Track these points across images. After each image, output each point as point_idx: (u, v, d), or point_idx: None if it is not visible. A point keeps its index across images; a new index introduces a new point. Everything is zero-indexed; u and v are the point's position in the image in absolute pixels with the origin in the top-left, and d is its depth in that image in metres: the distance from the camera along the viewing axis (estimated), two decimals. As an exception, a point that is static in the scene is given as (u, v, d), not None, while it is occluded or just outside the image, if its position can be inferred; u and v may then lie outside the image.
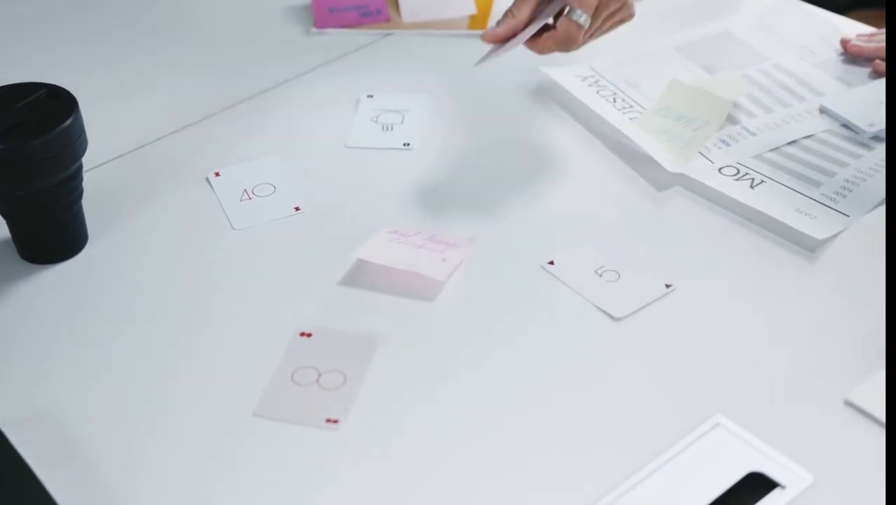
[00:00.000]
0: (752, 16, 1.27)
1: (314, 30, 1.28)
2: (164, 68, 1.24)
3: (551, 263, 0.95)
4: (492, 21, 1.28)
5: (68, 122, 0.92)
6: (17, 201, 0.94)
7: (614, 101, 1.13)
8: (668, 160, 1.04)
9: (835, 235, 0.96)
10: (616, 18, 1.07)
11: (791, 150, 1.06)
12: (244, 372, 0.87)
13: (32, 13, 1.34)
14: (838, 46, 1.21)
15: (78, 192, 0.97)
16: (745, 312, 0.91)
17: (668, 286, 0.92)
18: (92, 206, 0.99)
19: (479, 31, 1.24)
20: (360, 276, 0.95)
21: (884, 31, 1.20)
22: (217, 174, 1.07)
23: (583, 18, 1.01)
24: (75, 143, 0.93)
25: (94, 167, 1.06)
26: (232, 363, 0.88)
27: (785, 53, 1.20)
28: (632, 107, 1.13)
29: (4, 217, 0.97)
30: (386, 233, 0.98)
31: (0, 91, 0.94)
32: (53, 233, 0.97)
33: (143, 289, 0.95)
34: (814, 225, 0.96)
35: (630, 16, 1.08)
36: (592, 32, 1.05)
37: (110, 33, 1.30)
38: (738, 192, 1.01)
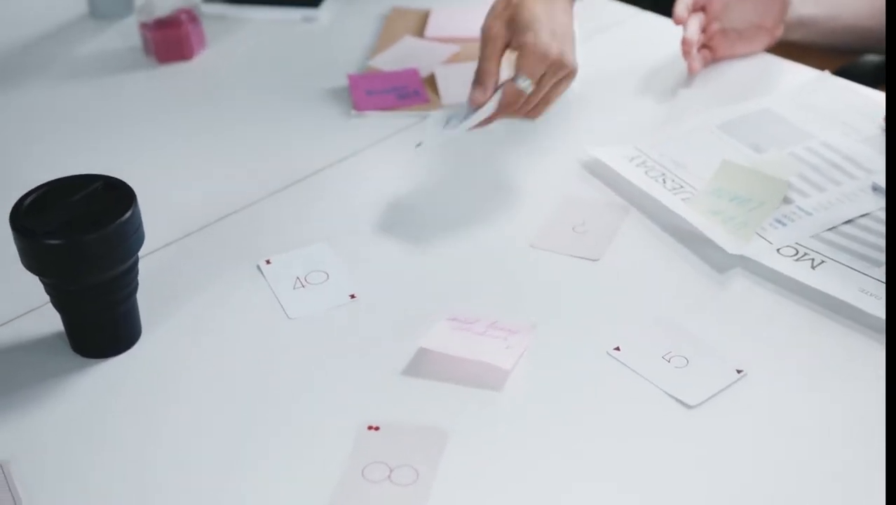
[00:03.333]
0: (790, 93, 1.27)
1: (354, 112, 1.28)
2: (208, 154, 1.23)
3: (617, 349, 0.94)
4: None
5: (126, 216, 0.90)
6: (71, 295, 0.93)
7: (664, 181, 1.13)
8: (728, 242, 1.03)
9: (902, 316, 0.95)
10: (562, 86, 1.13)
11: (848, 229, 1.06)
12: (312, 468, 0.85)
13: (79, 102, 1.34)
14: (881, 122, 1.21)
15: (133, 286, 0.95)
16: (819, 399, 0.89)
17: (738, 371, 0.91)
18: (144, 296, 0.98)
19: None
20: (422, 365, 0.93)
21: None
22: (268, 262, 1.06)
23: (526, 83, 1.08)
24: (132, 237, 0.92)
25: (144, 255, 1.04)
26: (299, 460, 0.85)
27: (829, 131, 1.20)
28: (682, 187, 1.12)
29: (58, 310, 0.95)
30: (447, 320, 0.96)
31: (57, 183, 0.93)
32: (107, 327, 0.95)
33: (200, 385, 0.93)
34: (880, 305, 0.95)
35: (573, 75, 1.13)
36: (540, 99, 1.12)
37: (155, 120, 1.30)
38: (800, 273, 1.00)
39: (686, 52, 1.28)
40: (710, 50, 1.31)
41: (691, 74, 1.30)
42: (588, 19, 1.42)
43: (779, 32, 1.31)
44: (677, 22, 1.28)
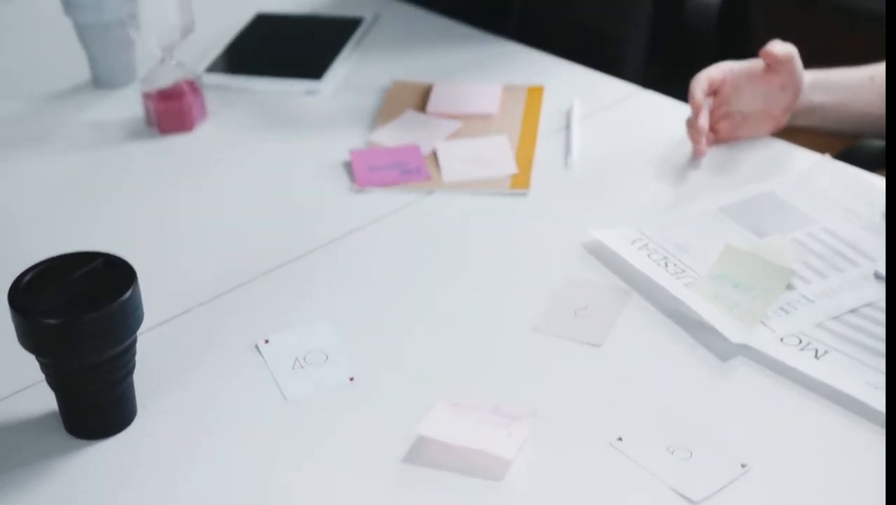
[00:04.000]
0: (792, 177, 1.27)
1: (356, 188, 1.28)
2: (207, 228, 1.22)
3: (620, 439, 0.92)
4: (535, 179, 1.28)
5: (126, 295, 0.89)
6: (67, 374, 0.91)
7: (666, 265, 1.12)
8: (731, 330, 1.02)
9: (908, 410, 0.94)
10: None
11: (852, 318, 1.05)
12: (309, 559, 0.83)
13: (80, 173, 1.33)
14: (883, 208, 1.20)
15: (130, 366, 0.94)
16: (822, 495, 0.88)
17: (743, 466, 0.89)
18: (140, 374, 0.96)
19: (522, 190, 1.26)
20: (422, 452, 0.92)
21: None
22: (267, 341, 1.04)
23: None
24: (132, 317, 0.91)
25: (141, 332, 1.03)
26: (296, 550, 0.84)
27: (830, 216, 1.20)
28: (684, 271, 1.11)
29: (53, 389, 0.93)
30: (447, 405, 0.95)
31: (57, 260, 0.92)
32: (102, 407, 0.94)
33: (195, 468, 0.91)
34: (884, 399, 0.94)
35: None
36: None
37: (155, 192, 1.29)
38: (804, 364, 0.99)
39: (696, 140, 1.28)
40: (713, 132, 1.31)
41: (697, 159, 1.29)
42: (590, 97, 1.43)
43: (785, 120, 1.31)
44: (695, 106, 1.27)
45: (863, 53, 1.38)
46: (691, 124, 1.29)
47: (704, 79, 1.29)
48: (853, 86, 1.32)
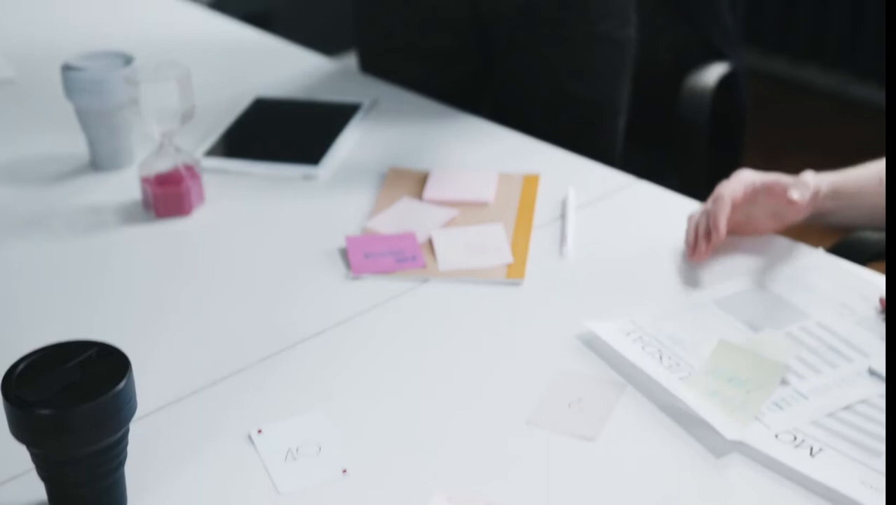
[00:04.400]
0: (786, 270, 1.28)
1: (351, 275, 1.28)
2: (202, 314, 1.22)
3: (614, 537, 0.92)
4: (530, 268, 1.28)
5: (120, 386, 0.89)
6: (58, 465, 0.91)
7: (661, 357, 1.12)
8: (725, 427, 1.02)
9: (903, 511, 0.93)
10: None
11: (847, 415, 1.05)
12: None
13: (75, 257, 1.33)
14: (877, 304, 1.21)
15: (122, 457, 0.93)
16: None
17: (738, 566, 0.89)
18: (131, 464, 0.95)
19: (517, 280, 1.26)
20: (415, 548, 0.91)
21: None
22: (260, 431, 1.04)
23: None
24: (125, 407, 0.90)
25: (133, 421, 1.02)
26: None
27: (825, 311, 1.20)
28: (679, 364, 1.11)
29: (43, 479, 0.92)
30: (441, 499, 0.94)
31: (50, 350, 0.92)
32: (93, 499, 0.93)
33: (187, 560, 0.91)
34: (880, 498, 0.94)
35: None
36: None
37: (150, 277, 1.29)
38: (799, 462, 0.98)
39: (699, 251, 1.27)
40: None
41: (694, 261, 1.29)
42: (585, 186, 1.44)
43: (787, 224, 1.32)
44: (717, 238, 1.25)
45: (854, 139, 1.40)
46: (696, 233, 1.27)
47: (729, 203, 1.26)
48: (862, 190, 1.32)
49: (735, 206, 1.27)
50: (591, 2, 1.70)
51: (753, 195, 1.28)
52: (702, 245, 1.26)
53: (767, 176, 1.29)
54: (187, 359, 1.15)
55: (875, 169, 1.33)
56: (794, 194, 1.25)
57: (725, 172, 2.19)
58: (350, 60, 1.95)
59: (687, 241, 1.29)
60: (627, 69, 1.78)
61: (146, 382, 1.07)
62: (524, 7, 1.70)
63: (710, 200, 1.29)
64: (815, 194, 1.27)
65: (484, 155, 1.54)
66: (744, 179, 1.28)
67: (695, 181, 2.12)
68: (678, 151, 2.12)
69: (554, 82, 1.74)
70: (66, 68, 1.44)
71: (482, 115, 1.67)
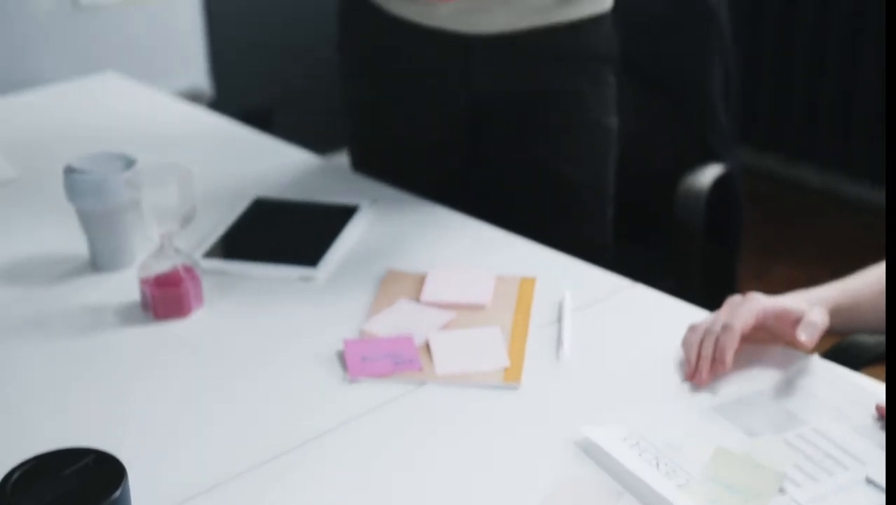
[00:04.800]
0: (783, 376, 1.28)
1: (348, 378, 1.28)
2: (199, 419, 1.22)
3: None
4: (526, 372, 1.28)
5: (115, 495, 0.89)
6: (51, 574, 0.90)
7: (658, 464, 1.12)
8: (724, 537, 1.01)
9: None
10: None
11: (845, 525, 1.04)
12: None
13: (72, 360, 1.34)
14: (874, 410, 1.21)
15: (117, 566, 0.93)
16: None
17: None
18: (124, 574, 0.95)
19: (514, 384, 1.26)
20: None
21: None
22: (254, 539, 1.03)
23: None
24: (120, 515, 0.90)
25: (127, 529, 1.02)
26: None
27: (821, 417, 1.20)
28: (676, 471, 1.11)
29: (35, 589, 0.92)
30: None
31: (47, 458, 0.92)
32: None
33: None
34: None
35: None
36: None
37: (147, 381, 1.29)
38: (797, 572, 0.98)
39: (700, 377, 1.26)
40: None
41: (693, 382, 1.28)
42: (582, 290, 1.45)
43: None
44: (721, 368, 1.25)
45: (848, 235, 1.41)
46: (699, 354, 1.26)
47: (739, 336, 1.25)
48: (861, 303, 1.33)
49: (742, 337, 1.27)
50: (584, 91, 1.74)
51: (762, 322, 1.29)
52: (704, 373, 1.25)
53: (778, 303, 1.29)
54: (185, 463, 1.14)
55: (873, 278, 1.34)
56: (803, 336, 1.25)
57: (721, 272, 2.23)
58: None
59: (688, 360, 1.28)
60: (613, 155, 1.81)
61: (143, 487, 1.07)
62: (517, 98, 1.74)
63: (717, 319, 1.28)
64: (823, 331, 1.27)
65: (480, 257, 1.56)
66: (755, 309, 1.27)
67: (691, 280, 2.13)
68: (674, 251, 2.14)
69: (542, 166, 1.77)
70: (69, 171, 1.46)
71: (468, 200, 1.70)
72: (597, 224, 1.82)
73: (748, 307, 1.28)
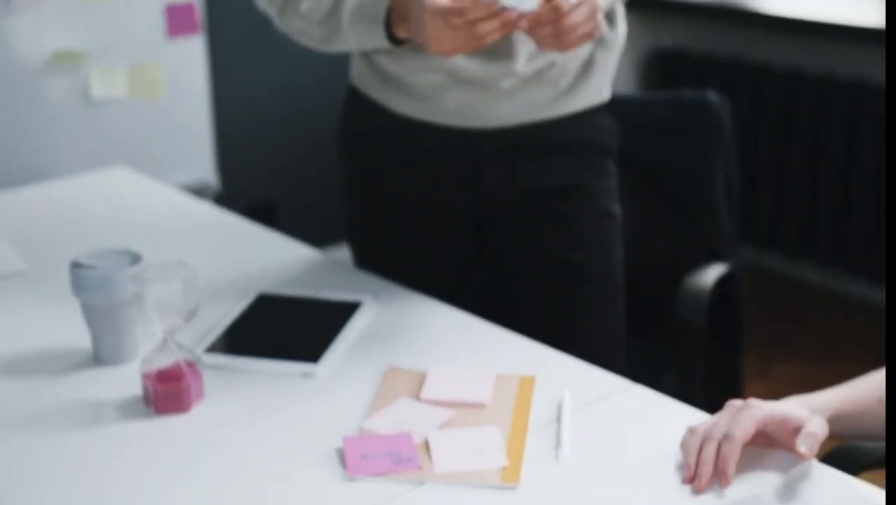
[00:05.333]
0: (780, 480, 1.28)
1: (348, 475, 1.28)
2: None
3: None
4: (525, 472, 1.29)
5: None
6: None
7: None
8: None
9: None
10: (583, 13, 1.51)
11: None
12: None
13: (73, 454, 1.34)
14: (872, 515, 1.21)
15: None
16: None
17: None
18: None
19: (512, 484, 1.26)
20: None
21: None
22: None
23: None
24: None
25: None
26: None
27: (820, 521, 1.20)
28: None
29: None
30: None
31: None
32: None
33: None
34: None
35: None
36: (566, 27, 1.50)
37: (146, 476, 1.29)
38: None
39: (698, 484, 1.26)
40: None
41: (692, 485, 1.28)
42: (581, 390, 1.46)
43: None
44: (725, 481, 1.25)
45: (848, 335, 1.42)
46: (698, 458, 1.26)
47: (740, 447, 1.26)
48: (863, 411, 1.33)
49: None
50: (589, 182, 1.78)
51: (763, 429, 1.28)
52: (704, 479, 1.25)
53: (777, 410, 1.28)
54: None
55: (875, 384, 1.34)
56: (802, 448, 1.24)
57: (724, 370, 2.23)
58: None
59: (687, 464, 1.27)
60: (620, 243, 1.84)
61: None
62: (526, 193, 1.77)
63: (717, 424, 1.28)
64: (822, 441, 1.27)
65: (481, 354, 1.56)
66: (756, 417, 1.27)
67: (693, 378, 2.13)
68: (676, 349, 2.14)
69: (551, 256, 1.78)
70: (75, 266, 1.48)
71: (472, 294, 1.70)
72: (610, 313, 1.83)
73: (750, 414, 1.28)
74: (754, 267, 3.67)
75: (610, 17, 1.76)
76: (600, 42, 1.75)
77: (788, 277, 3.66)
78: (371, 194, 1.86)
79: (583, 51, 1.73)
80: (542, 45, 1.55)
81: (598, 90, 1.79)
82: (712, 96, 2.19)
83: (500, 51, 1.66)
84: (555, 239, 1.78)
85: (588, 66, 1.76)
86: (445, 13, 1.49)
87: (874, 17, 3.16)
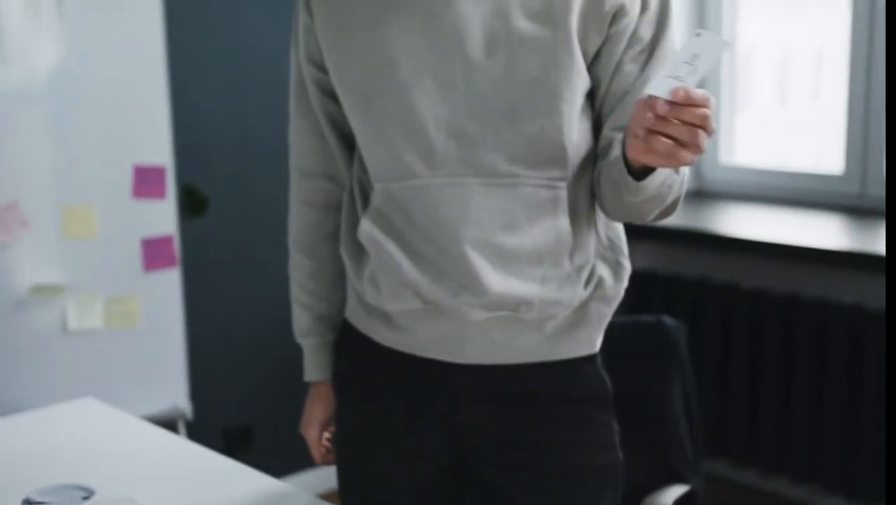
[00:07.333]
0: None
1: None
2: None
3: None
4: None
5: None
6: None
7: None
8: None
9: None
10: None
11: None
12: None
13: None
14: None
15: None
16: None
17: None
18: None
19: None
20: None
21: None
22: None
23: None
24: None
25: None
26: None
27: None
28: None
29: None
30: None
31: None
32: None
33: None
34: None
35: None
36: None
37: None
38: None
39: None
40: None
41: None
42: None
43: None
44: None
45: None
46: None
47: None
48: None
49: None
50: (571, 439, 1.69)
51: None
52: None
53: None
54: None
55: None
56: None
57: None
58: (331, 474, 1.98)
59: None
60: (611, 497, 1.74)
61: None
62: (506, 440, 1.68)
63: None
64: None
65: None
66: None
67: None
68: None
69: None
70: (26, 503, 1.50)
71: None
72: None
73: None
74: (731, 482, 3.67)
75: (616, 271, 1.70)
76: (600, 293, 1.67)
77: (764, 493, 3.65)
78: (352, 430, 1.81)
79: (574, 298, 1.63)
80: (679, 137, 1.35)
81: (590, 341, 1.70)
82: (667, 320, 2.25)
83: (460, 278, 1.57)
84: (526, 491, 1.67)
85: (581, 313, 1.67)
86: None
87: (839, 240, 3.25)
